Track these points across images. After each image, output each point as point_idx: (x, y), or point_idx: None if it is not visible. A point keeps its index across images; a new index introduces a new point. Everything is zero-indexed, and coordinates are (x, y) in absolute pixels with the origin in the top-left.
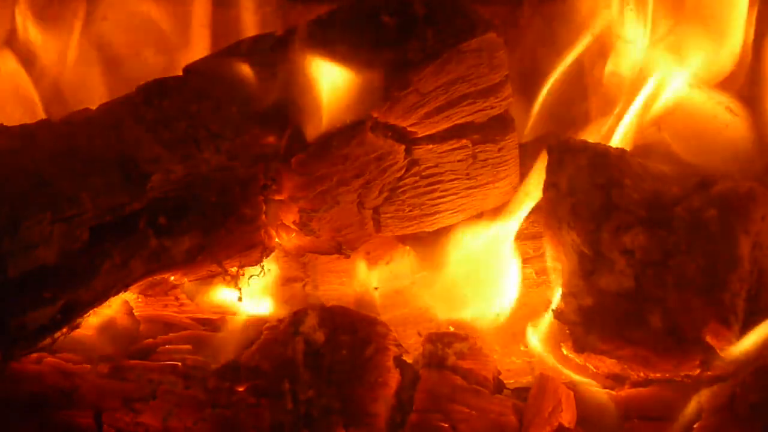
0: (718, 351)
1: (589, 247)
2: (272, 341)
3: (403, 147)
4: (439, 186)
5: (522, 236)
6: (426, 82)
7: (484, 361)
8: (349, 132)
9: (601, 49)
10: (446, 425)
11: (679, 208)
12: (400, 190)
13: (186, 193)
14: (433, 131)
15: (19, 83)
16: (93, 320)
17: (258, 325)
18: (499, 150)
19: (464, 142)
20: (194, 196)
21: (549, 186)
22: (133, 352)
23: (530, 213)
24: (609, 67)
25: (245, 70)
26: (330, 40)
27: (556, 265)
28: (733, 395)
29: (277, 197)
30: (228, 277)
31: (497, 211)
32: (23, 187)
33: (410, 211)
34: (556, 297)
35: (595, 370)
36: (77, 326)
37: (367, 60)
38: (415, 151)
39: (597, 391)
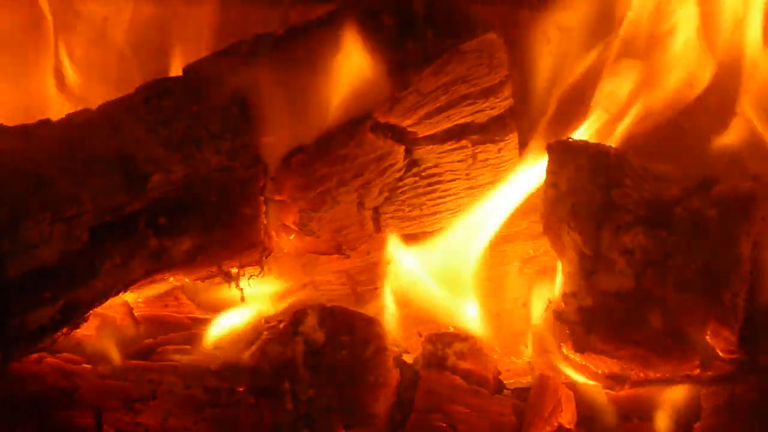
0: (718, 351)
1: (589, 247)
2: (272, 341)
3: (403, 147)
4: (439, 186)
5: (522, 236)
6: (426, 82)
7: (484, 361)
8: (348, 132)
9: None
10: (446, 425)
11: (679, 208)
12: (400, 190)
13: (186, 193)
14: (433, 131)
15: None
16: (93, 320)
17: (258, 325)
18: (499, 150)
19: (464, 142)
20: (194, 196)
21: (549, 186)
22: (133, 352)
23: (530, 213)
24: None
25: (245, 70)
26: (330, 40)
27: (557, 264)
28: (733, 395)
29: (277, 197)
30: (227, 278)
31: None
32: (23, 187)
33: (410, 211)
34: (557, 297)
35: (595, 370)
36: (77, 326)
37: (367, 60)
38: (415, 152)
39: (597, 391)
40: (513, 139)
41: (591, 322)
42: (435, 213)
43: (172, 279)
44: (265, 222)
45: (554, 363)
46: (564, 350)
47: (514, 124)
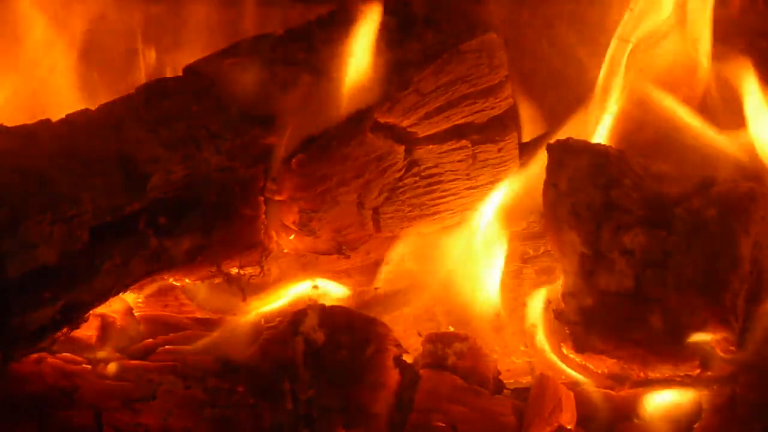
0: (718, 351)
1: (589, 247)
2: (272, 341)
3: (403, 147)
4: (439, 186)
5: (522, 236)
6: (426, 82)
7: (484, 361)
8: (349, 132)
9: None
10: (446, 425)
11: (679, 208)
12: (400, 190)
13: (186, 193)
14: (433, 131)
15: None
16: (93, 320)
17: (258, 325)
18: (499, 150)
19: (464, 142)
20: (194, 196)
21: (549, 186)
22: (133, 352)
23: (530, 213)
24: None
25: (245, 70)
26: (330, 40)
27: (557, 264)
28: (733, 395)
29: (277, 197)
30: (227, 278)
31: None
32: (23, 187)
33: (410, 211)
34: (556, 297)
35: (595, 370)
36: (77, 326)
37: (367, 60)
38: (415, 152)
39: (597, 391)
40: (513, 139)
41: (591, 322)
42: (435, 213)
43: (172, 279)
44: (265, 222)
45: (554, 363)
46: (564, 350)
47: (514, 124)
